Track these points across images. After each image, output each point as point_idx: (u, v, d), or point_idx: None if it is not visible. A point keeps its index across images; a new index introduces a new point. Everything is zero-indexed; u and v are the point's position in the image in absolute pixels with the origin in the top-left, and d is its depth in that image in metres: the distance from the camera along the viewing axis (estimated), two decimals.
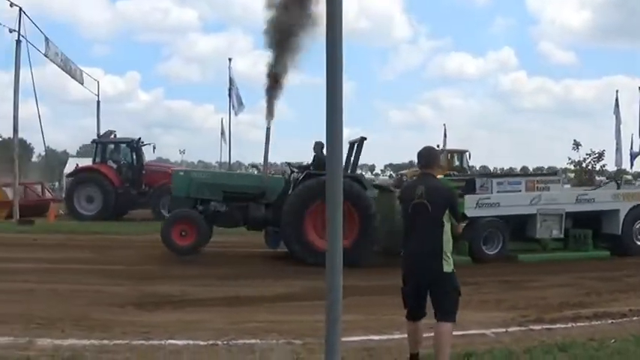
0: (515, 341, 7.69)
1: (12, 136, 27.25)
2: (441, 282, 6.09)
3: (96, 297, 10.47)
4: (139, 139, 27.66)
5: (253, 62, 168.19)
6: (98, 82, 38.93)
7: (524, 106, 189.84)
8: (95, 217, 24.49)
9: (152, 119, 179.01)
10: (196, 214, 14.60)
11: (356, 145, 15.23)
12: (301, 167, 16.47)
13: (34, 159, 73.69)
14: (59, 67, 29.89)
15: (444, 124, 49.78)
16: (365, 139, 15.10)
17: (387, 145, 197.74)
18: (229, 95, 36.21)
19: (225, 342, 7.65)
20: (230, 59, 37.19)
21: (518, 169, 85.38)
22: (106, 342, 7.60)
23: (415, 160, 6.90)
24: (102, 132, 32.33)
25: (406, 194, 6.36)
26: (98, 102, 38.61)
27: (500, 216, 14.74)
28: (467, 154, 35.65)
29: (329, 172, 4.47)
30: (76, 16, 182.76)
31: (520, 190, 15.59)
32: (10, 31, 25.17)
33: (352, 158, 15.33)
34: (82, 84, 34.82)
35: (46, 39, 27.62)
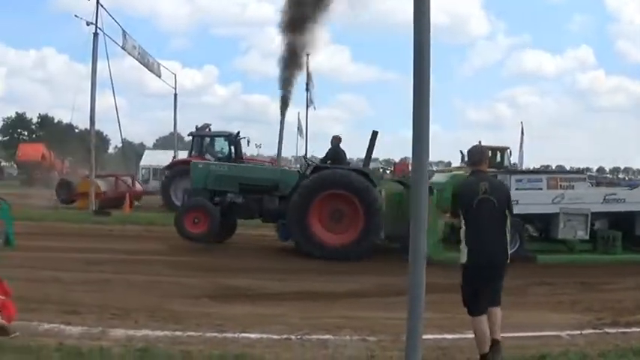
0: (589, 344, 7.51)
1: (89, 128, 28.04)
2: (503, 271, 6.66)
3: (171, 288, 10.61)
4: (238, 132, 27.62)
5: (329, 57, 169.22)
6: (175, 75, 39.75)
7: (602, 105, 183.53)
8: None
9: (229, 113, 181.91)
10: (208, 203, 15.07)
11: (369, 140, 15.45)
12: (318, 160, 16.78)
13: (111, 151, 75.94)
14: (136, 60, 30.61)
15: (522, 122, 48.72)
16: (377, 132, 15.47)
17: (464, 144, 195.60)
18: (306, 90, 36.41)
19: (298, 337, 7.62)
20: (307, 54, 37.32)
21: (595, 169, 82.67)
22: (179, 333, 7.66)
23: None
24: (178, 125, 32.91)
25: (468, 190, 6.61)
26: (175, 95, 39.41)
27: (518, 215, 14.09)
28: (508, 151, 35.31)
29: (415, 170, 4.43)
30: (153, 10, 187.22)
31: (541, 188, 15.00)
32: (88, 24, 25.89)
33: (365, 152, 15.59)
34: (160, 77, 35.59)
35: (124, 32, 28.29)
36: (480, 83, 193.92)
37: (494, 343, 6.40)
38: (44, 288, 10.00)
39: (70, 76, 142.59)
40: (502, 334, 6.57)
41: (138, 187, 30.52)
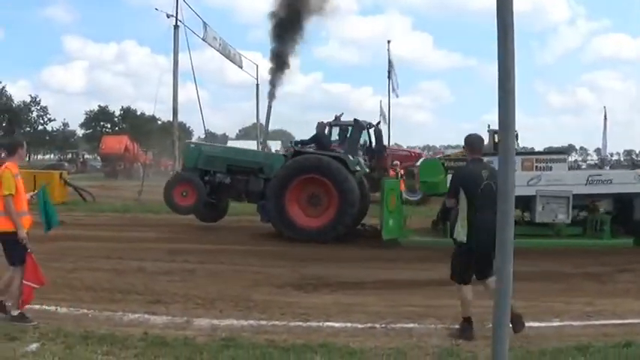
0: None
1: (172, 120, 28.75)
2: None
3: (254, 278, 10.82)
4: (378, 122, 27.48)
5: (411, 44, 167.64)
6: (257, 65, 40.28)
7: None
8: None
9: (311, 102, 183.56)
10: (196, 178, 16.30)
11: (352, 129, 16.63)
12: (300, 144, 17.23)
13: (194, 140, 77.88)
14: (218, 51, 31.22)
15: (604, 107, 47.11)
16: (357, 120, 16.93)
17: (546, 129, 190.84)
18: (389, 77, 36.28)
19: (382, 325, 7.70)
20: (389, 41, 37.24)
21: None
22: (263, 323, 7.84)
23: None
24: (260, 115, 33.25)
25: (473, 178, 7.33)
26: (257, 85, 39.98)
27: None
28: (515, 134, 34.10)
29: (501, 160, 4.45)
30: (233, 1, 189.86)
31: (515, 170, 14.22)
32: (168, 16, 26.62)
33: (348, 140, 16.80)
34: (241, 68, 36.15)
35: (204, 23, 28.92)
36: (561, 68, 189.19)
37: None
38: (129, 278, 10.41)
39: (152, 68, 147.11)
40: (586, 322, 7.65)
41: None
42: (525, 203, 14.17)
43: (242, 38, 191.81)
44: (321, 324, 7.77)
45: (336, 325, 7.73)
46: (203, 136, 48.37)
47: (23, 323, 7.46)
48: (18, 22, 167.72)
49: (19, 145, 8.05)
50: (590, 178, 13.90)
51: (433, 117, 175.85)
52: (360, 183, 15.84)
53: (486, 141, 31.47)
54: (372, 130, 25.83)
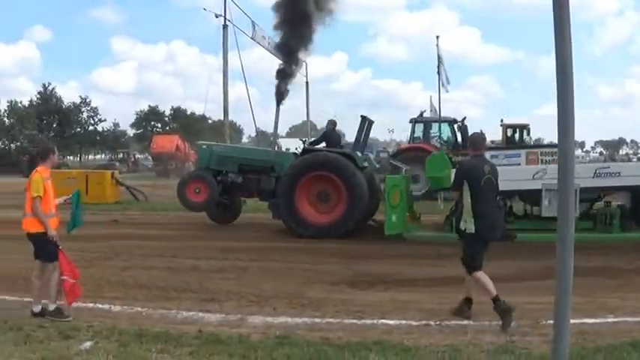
0: None
1: (222, 119, 29.04)
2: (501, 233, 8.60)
3: (308, 275, 10.89)
4: (464, 118, 27.22)
5: (459, 39, 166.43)
6: (306, 63, 40.42)
7: None
8: (425, 196, 24.83)
9: (360, 99, 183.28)
10: (208, 175, 16.82)
11: (359, 125, 16.96)
12: (312, 143, 17.75)
13: (244, 140, 78.20)
14: (267, 49, 31.35)
15: None
16: (365, 117, 17.08)
17: (596, 122, 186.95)
18: (438, 73, 36.19)
19: (437, 322, 7.69)
20: (438, 37, 37.18)
21: None
22: (318, 320, 7.89)
23: None
24: (311, 114, 33.41)
25: (476, 172, 8.00)
26: (307, 83, 40.14)
27: None
28: (527, 128, 34.01)
29: (561, 157, 4.44)
30: None
31: (519, 164, 13.97)
32: (217, 16, 26.89)
33: (355, 137, 17.15)
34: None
35: (253, 23, 29.08)
36: (610, 60, 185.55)
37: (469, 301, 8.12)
38: (183, 276, 10.58)
39: (201, 68, 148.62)
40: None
41: None
42: (533, 197, 14.13)
43: None
44: (375, 321, 7.79)
45: (391, 322, 7.74)
46: (254, 134, 48.78)
47: (59, 319, 7.74)
48: (67, 25, 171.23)
49: (51, 151, 8.44)
50: (597, 171, 13.76)
51: (484, 112, 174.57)
52: (370, 179, 16.07)
53: (500, 135, 31.36)
54: (456, 126, 25.89)
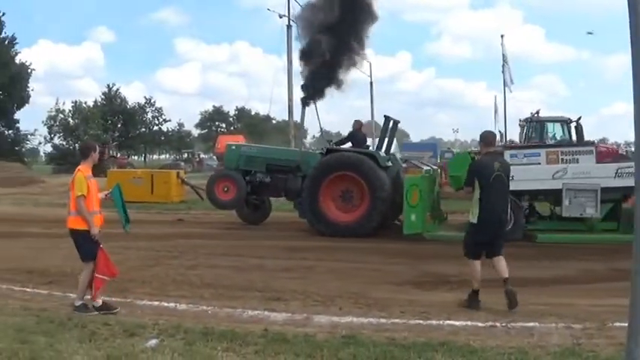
0: None
1: (287, 119, 29.27)
2: (505, 227, 9.41)
3: (373, 275, 10.97)
4: (579, 118, 26.59)
5: (524, 38, 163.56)
6: (370, 63, 40.42)
7: None
8: None
9: (424, 99, 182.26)
10: (237, 174, 17.31)
11: (382, 125, 17.31)
12: (337, 143, 17.94)
13: (309, 140, 78.55)
14: None
15: None
16: (388, 117, 17.15)
17: None
18: (502, 72, 35.98)
19: (503, 324, 7.67)
20: (502, 36, 37.02)
21: None
22: (383, 320, 7.94)
23: None
24: (375, 113, 33.37)
25: (486, 168, 8.76)
26: (371, 83, 40.15)
27: (513, 191, 13.02)
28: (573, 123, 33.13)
29: (637, 156, 4.42)
30: None
31: (539, 163, 13.82)
32: (280, 16, 27.11)
33: (379, 137, 17.59)
34: (355, 66, 36.31)
35: None
36: None
37: (505, 280, 8.64)
38: (248, 275, 10.76)
39: (265, 68, 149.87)
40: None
41: None
42: (552, 197, 14.13)
43: None
44: (441, 322, 7.81)
45: (457, 323, 7.76)
46: (318, 134, 49.06)
47: (85, 314, 8.02)
48: (130, 26, 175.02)
49: (92, 149, 8.67)
50: (619, 171, 13.60)
51: (549, 112, 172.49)
52: (396, 178, 16.15)
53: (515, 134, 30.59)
54: (572, 125, 25.59)
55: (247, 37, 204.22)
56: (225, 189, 17.17)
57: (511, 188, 12.73)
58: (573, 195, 13.59)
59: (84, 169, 8.30)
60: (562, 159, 14.09)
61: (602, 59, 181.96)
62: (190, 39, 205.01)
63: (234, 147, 18.99)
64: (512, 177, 12.85)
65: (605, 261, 11.91)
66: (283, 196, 17.99)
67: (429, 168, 17.94)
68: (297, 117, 31.03)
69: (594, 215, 13.71)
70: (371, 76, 39.58)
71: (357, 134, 17.52)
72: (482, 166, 8.91)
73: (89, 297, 8.25)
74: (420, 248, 13.41)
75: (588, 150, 14.54)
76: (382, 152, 16.74)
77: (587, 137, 26.51)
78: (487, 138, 9.24)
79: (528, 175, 13.90)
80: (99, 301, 8.22)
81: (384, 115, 17.40)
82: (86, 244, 8.20)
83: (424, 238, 14.47)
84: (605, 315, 7.81)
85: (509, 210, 9.54)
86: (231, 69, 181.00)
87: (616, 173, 13.63)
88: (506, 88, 37.10)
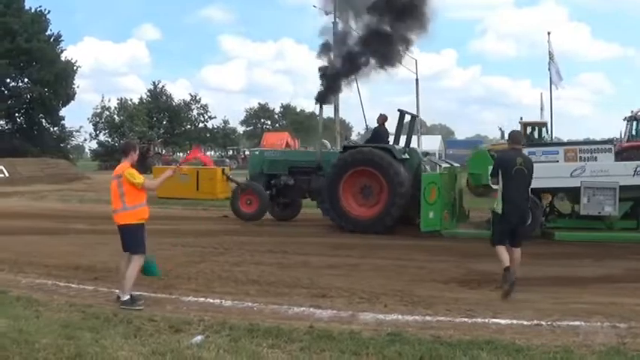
0: None
1: (333, 116, 29.34)
2: (526, 218, 10.61)
3: (419, 273, 11.01)
4: None
5: (570, 35, 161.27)
6: (416, 60, 40.28)
7: None
8: None
9: (469, 96, 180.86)
10: (260, 187, 17.89)
11: (397, 119, 17.36)
12: (367, 141, 17.96)
13: (354, 137, 78.65)
14: None
15: None
16: (402, 111, 17.43)
17: None
18: (549, 70, 35.73)
19: (549, 323, 7.67)
20: (549, 33, 36.76)
21: None
22: (428, 318, 7.99)
23: None
24: (421, 110, 33.45)
25: (508, 162, 9.68)
26: (417, 80, 39.99)
27: (531, 189, 12.94)
28: (545, 126, 34.23)
29: None
30: None
31: (557, 161, 14.01)
32: (327, 13, 27.07)
33: (395, 131, 17.63)
34: (401, 63, 36.27)
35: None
36: None
37: (508, 268, 9.36)
38: (294, 272, 10.86)
39: (310, 66, 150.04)
40: None
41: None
42: (570, 195, 14.21)
43: None
44: (486, 320, 7.84)
45: (502, 321, 7.78)
46: (363, 132, 49.06)
47: (132, 307, 8.28)
48: (175, 24, 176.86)
49: (133, 149, 8.99)
50: (638, 169, 13.56)
51: (593, 109, 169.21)
52: (415, 173, 16.25)
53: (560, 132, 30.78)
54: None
55: (293, 34, 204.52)
56: (249, 202, 17.77)
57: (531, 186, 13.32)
58: (592, 193, 13.59)
59: (125, 167, 8.59)
60: (580, 157, 14.12)
61: None
62: (235, 36, 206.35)
63: (257, 152, 20.18)
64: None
65: None
66: (308, 197, 18.33)
67: (448, 165, 17.89)
68: (342, 114, 31.16)
69: (612, 213, 13.69)
70: (417, 73, 39.33)
71: (380, 129, 17.66)
72: (506, 160, 9.78)
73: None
74: (466, 246, 13.39)
75: (607, 148, 14.49)
76: (398, 146, 16.87)
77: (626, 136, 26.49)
78: (515, 137, 10.24)
79: (546, 172, 13.90)
80: (127, 296, 8.49)
81: (398, 110, 17.52)
82: (136, 238, 8.53)
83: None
84: None
85: (529, 200, 10.28)
86: (277, 66, 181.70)
87: (635, 171, 13.61)
88: (552, 86, 36.81)
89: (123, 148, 9.23)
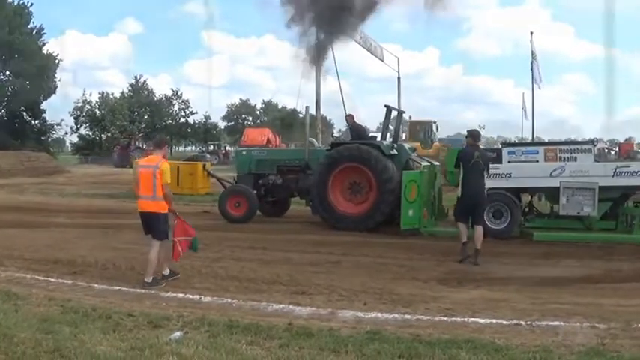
0: None
1: (314, 113, 29.31)
2: (482, 202, 12.35)
3: (399, 271, 11.01)
4: None
5: (552, 35, 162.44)
6: (398, 58, 40.34)
7: None
8: None
9: (451, 95, 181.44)
10: (248, 189, 17.66)
11: (384, 115, 17.47)
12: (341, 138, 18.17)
13: (336, 135, 78.63)
14: (359, 44, 31.35)
15: None
16: (389, 107, 17.50)
17: None
18: (531, 69, 36.11)
19: (528, 322, 7.70)
20: (532, 33, 37.25)
21: None
22: (408, 317, 8.01)
23: None
24: (403, 108, 33.62)
25: (467, 156, 11.99)
26: (399, 78, 40.04)
27: (510, 188, 14.31)
28: (434, 125, 35.80)
29: None
30: None
31: (537, 161, 14.09)
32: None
33: (382, 128, 17.99)
34: (383, 61, 36.32)
35: None
36: None
37: (477, 251, 11.69)
38: (274, 268, 10.84)
39: (292, 62, 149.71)
40: None
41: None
42: (549, 195, 14.35)
43: (383, 31, 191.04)
44: (466, 319, 7.86)
45: (481, 320, 7.81)
46: (344, 129, 49.14)
47: (156, 285, 9.15)
48: (158, 18, 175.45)
49: (165, 143, 10.28)
50: (617, 170, 13.76)
51: (576, 109, 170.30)
52: (404, 169, 16.16)
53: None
54: None
55: (274, 31, 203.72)
56: (237, 204, 17.50)
57: (509, 185, 14.55)
58: (571, 193, 13.71)
59: (162, 161, 9.62)
60: (560, 157, 14.22)
61: (630, 58, 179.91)
62: (218, 32, 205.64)
63: (244, 152, 19.89)
64: (510, 174, 14.42)
65: (631, 261, 11.88)
66: (296, 196, 18.30)
67: (427, 164, 17.99)
68: (324, 111, 31.16)
69: (591, 214, 13.77)
70: (399, 72, 39.36)
71: (356, 127, 17.93)
72: (465, 154, 12.16)
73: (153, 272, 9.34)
74: (447, 245, 13.37)
75: (587, 149, 14.59)
76: (386, 142, 16.91)
77: (612, 136, 26.71)
78: (472, 134, 12.69)
79: (526, 172, 14.14)
80: (167, 270, 9.57)
81: (385, 105, 17.53)
82: (164, 225, 9.54)
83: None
84: (629, 315, 7.87)
85: (485, 187, 12.05)
86: (259, 62, 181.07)
87: (614, 172, 13.74)
88: (534, 85, 37.18)
89: (157, 142, 10.44)
